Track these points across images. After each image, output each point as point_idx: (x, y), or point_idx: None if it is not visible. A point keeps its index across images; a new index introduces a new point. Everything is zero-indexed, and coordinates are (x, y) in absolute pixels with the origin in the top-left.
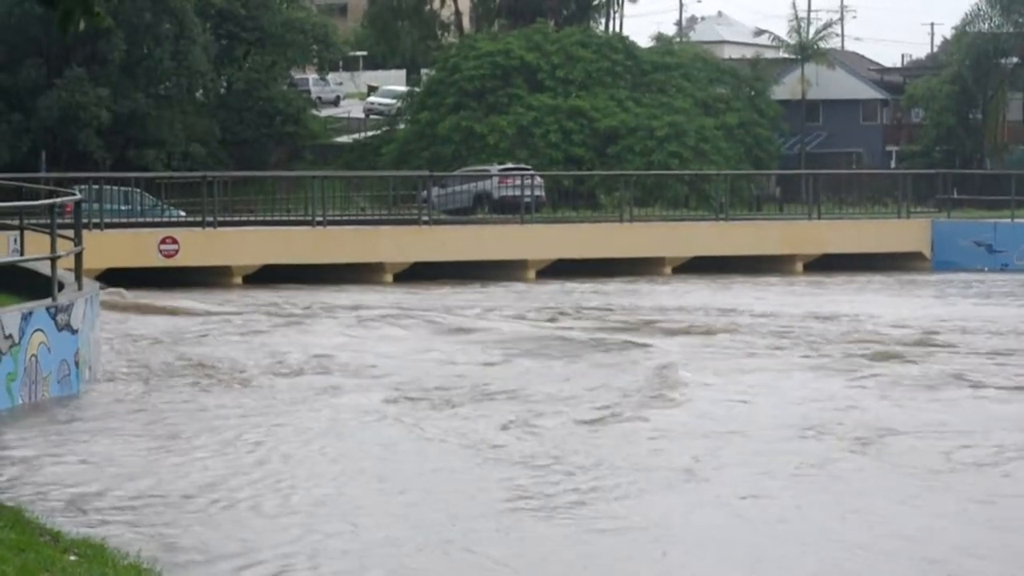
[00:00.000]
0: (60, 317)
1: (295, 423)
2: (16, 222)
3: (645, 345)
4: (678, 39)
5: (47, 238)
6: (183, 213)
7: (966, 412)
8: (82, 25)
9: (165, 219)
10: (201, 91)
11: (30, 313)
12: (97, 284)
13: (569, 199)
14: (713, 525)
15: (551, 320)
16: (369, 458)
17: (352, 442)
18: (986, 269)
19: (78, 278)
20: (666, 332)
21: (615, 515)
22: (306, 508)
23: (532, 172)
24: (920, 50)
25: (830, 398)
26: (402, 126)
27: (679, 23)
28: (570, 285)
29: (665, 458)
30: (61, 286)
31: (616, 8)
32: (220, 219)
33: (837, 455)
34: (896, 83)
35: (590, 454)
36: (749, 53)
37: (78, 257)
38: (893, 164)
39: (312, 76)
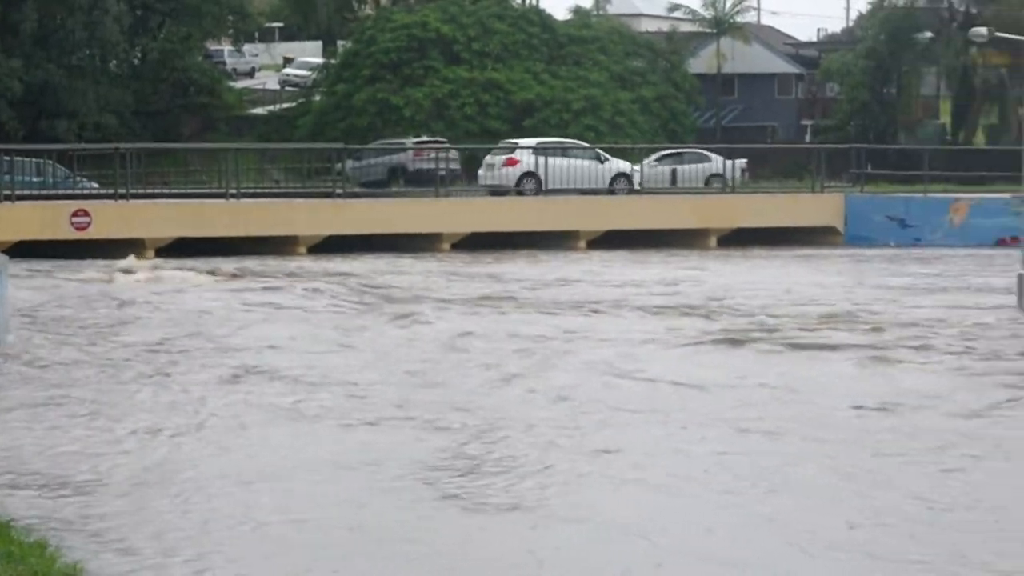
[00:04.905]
0: None
1: (212, 407)
2: None
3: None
4: (595, 12)
5: None
6: (96, 185)
7: None
8: None
9: (78, 191)
10: (115, 62)
11: None
12: (6, 257)
13: None
14: None
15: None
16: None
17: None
18: (892, 244)
19: None
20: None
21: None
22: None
23: (447, 145)
24: (836, 24)
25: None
26: (318, 98)
27: None
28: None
29: None
30: None
31: None
32: (133, 191)
33: None
34: (811, 57)
35: None
36: (665, 26)
37: None
38: (808, 138)
39: (227, 47)
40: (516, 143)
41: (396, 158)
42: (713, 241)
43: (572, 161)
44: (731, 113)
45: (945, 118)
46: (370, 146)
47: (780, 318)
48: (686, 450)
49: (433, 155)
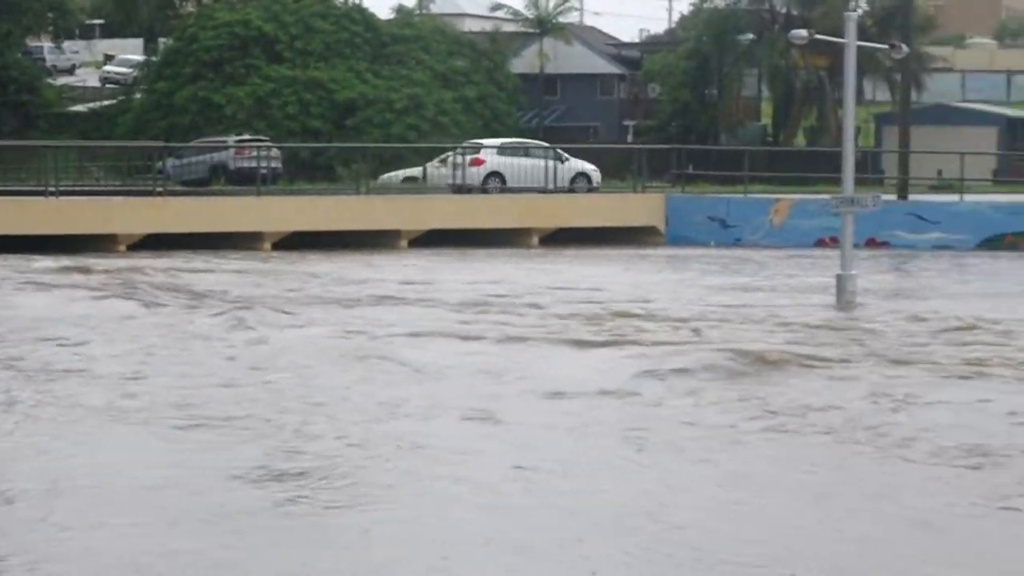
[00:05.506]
0: None
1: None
2: None
3: None
4: (418, 11)
5: None
6: None
7: None
8: None
9: None
10: None
11: None
12: None
13: (306, 171)
14: None
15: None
16: None
17: None
18: (712, 244)
19: None
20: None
21: None
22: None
23: (269, 144)
24: (658, 25)
25: None
26: (139, 96)
27: None
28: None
29: None
30: None
31: None
32: None
33: None
34: (634, 58)
35: None
36: (489, 26)
37: None
38: (630, 138)
39: (47, 44)
40: (481, 143)
41: (217, 156)
42: (535, 240)
43: (535, 161)
44: (554, 113)
45: (766, 119)
46: (191, 144)
47: (559, 314)
48: (458, 444)
49: (255, 154)
